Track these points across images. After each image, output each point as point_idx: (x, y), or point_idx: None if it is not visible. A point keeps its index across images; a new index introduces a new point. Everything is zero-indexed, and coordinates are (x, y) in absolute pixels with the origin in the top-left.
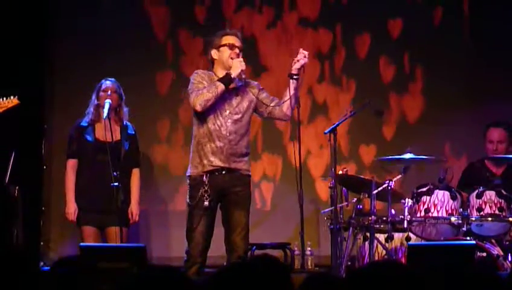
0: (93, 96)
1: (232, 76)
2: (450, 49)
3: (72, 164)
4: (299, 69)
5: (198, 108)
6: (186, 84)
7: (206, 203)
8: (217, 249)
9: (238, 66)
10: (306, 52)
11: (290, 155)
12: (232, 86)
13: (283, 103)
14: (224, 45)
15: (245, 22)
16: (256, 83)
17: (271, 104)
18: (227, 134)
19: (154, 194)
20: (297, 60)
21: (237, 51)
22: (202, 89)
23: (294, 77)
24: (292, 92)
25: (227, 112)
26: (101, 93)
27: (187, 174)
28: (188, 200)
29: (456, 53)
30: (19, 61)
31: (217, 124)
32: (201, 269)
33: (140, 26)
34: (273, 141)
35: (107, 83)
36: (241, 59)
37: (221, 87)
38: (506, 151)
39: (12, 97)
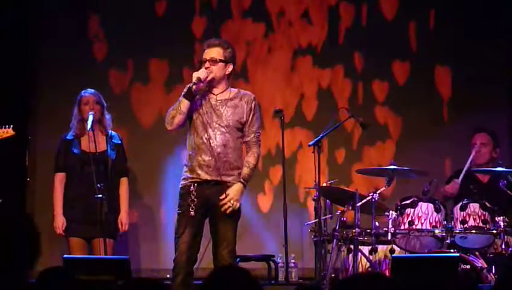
0: (75, 110)
1: (192, 89)
2: None
3: (60, 178)
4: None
5: (168, 127)
6: None
7: (192, 212)
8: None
9: (193, 78)
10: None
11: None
12: (223, 97)
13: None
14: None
15: None
16: (253, 103)
17: (246, 136)
18: (216, 147)
19: (143, 205)
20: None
21: (207, 64)
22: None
23: None
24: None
25: (216, 123)
26: (83, 107)
27: (179, 186)
28: (177, 209)
29: None
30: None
31: (205, 137)
32: (187, 278)
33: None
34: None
35: (87, 95)
36: (202, 69)
37: (183, 102)
38: (490, 155)
39: (7, 127)
